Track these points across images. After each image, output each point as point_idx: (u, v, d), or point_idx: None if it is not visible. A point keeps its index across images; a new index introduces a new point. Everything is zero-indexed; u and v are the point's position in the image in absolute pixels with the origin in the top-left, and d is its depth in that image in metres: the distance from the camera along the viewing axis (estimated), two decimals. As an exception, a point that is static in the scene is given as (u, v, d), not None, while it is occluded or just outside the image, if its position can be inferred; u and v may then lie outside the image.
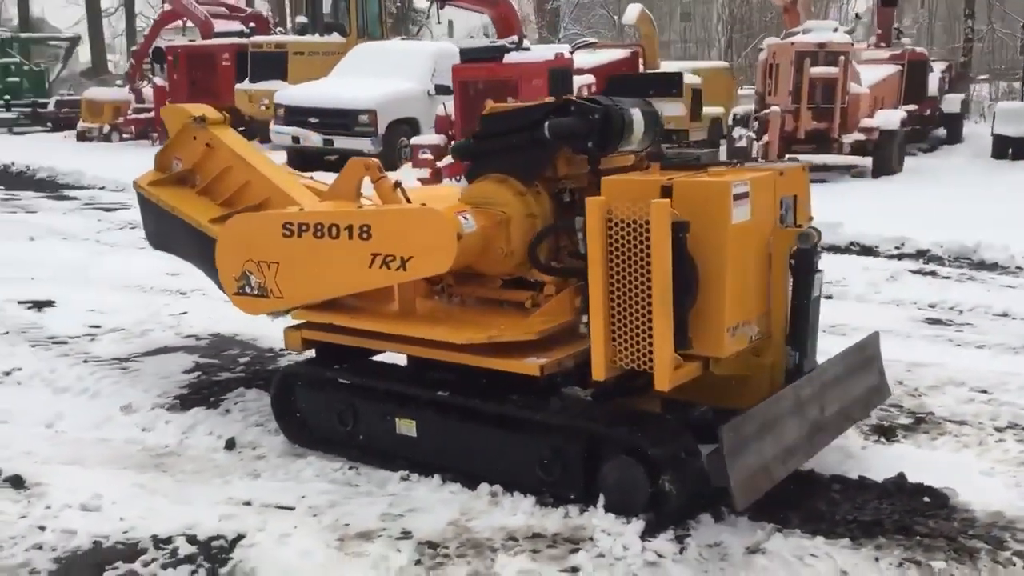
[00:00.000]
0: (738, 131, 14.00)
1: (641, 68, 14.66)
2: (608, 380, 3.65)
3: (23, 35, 32.44)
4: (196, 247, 5.09)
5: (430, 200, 4.17)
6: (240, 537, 3.45)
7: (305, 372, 4.38)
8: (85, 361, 5.61)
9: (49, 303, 6.99)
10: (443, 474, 3.90)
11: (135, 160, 14.66)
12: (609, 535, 3.37)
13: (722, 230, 3.43)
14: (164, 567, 3.27)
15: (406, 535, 3.47)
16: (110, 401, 4.88)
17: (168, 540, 3.44)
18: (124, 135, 20.96)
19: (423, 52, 15.62)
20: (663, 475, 3.37)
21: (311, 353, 4.49)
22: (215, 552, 3.37)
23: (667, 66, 17.06)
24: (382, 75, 14.90)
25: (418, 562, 3.29)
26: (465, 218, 3.89)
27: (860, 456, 4.10)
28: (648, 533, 3.37)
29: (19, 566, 3.28)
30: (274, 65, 18.13)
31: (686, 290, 3.40)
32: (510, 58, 11.78)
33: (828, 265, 7.96)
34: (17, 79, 27.91)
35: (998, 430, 4.40)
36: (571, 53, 13.53)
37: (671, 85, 4.26)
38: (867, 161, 13.86)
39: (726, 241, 3.44)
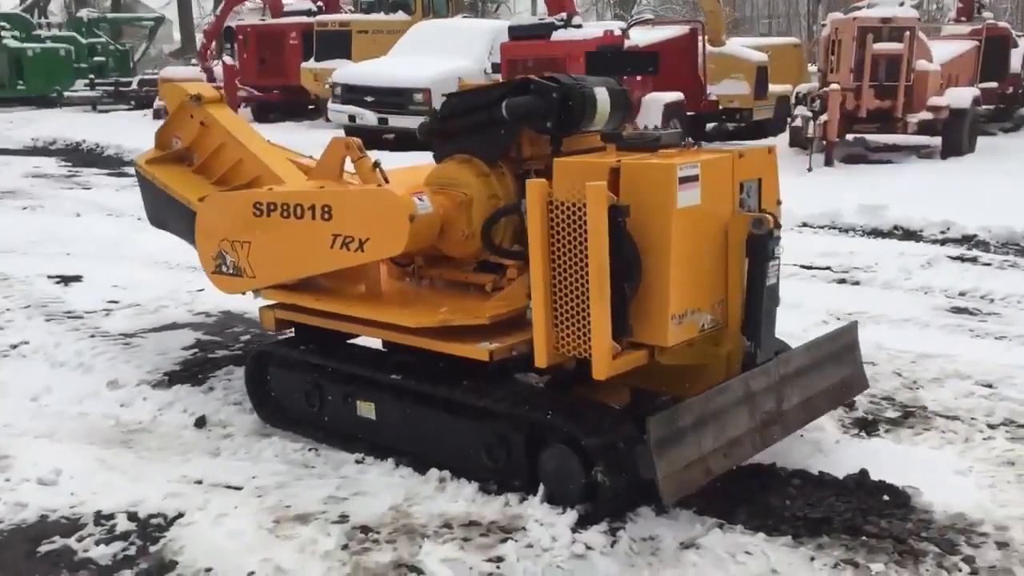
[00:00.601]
0: (799, 109, 13.59)
1: (701, 45, 14.34)
2: (567, 367, 3.58)
3: (110, 16, 33.41)
4: (187, 225, 5.14)
5: (407, 180, 4.13)
6: (180, 516, 3.48)
7: (275, 352, 4.40)
8: (92, 336, 5.73)
9: (76, 278, 7.18)
10: (398, 458, 3.87)
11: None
12: (542, 525, 3.30)
13: (666, 214, 3.31)
14: (98, 543, 3.31)
15: (343, 519, 3.45)
16: (101, 376, 4.97)
17: (111, 516, 3.50)
18: (197, 113, 21.35)
19: (481, 31, 15.54)
20: (596, 465, 3.28)
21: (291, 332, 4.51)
22: (151, 530, 3.41)
23: (733, 43, 16.66)
24: (439, 54, 14.88)
25: (345, 547, 3.26)
26: (420, 199, 3.84)
27: (831, 451, 3.93)
28: (581, 524, 3.29)
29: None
30: (339, 44, 18.28)
31: (626, 276, 3.29)
32: (558, 36, 11.62)
33: (864, 249, 7.79)
34: (103, 58, 28.81)
35: (990, 427, 4.18)
36: (626, 30, 13.31)
37: (646, 63, 4.13)
38: (936, 141, 13.33)
39: (670, 226, 3.31)
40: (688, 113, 14.80)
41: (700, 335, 3.51)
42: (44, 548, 3.30)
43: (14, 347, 5.56)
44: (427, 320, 3.77)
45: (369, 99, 14.55)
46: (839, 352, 3.96)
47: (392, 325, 3.88)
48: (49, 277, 7.22)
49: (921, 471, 3.71)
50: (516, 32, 11.96)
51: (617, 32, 12.27)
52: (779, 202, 3.79)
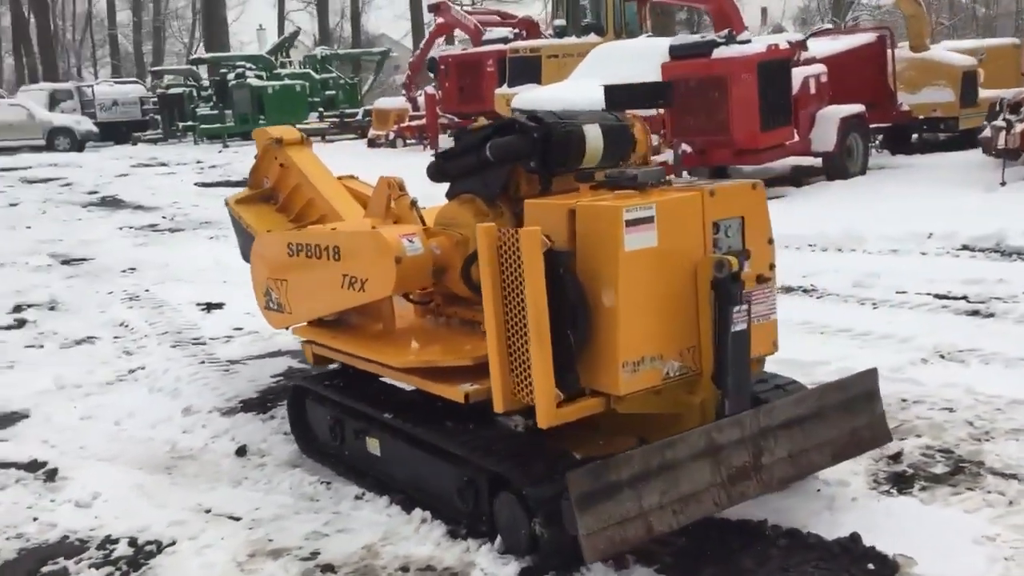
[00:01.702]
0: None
1: (891, 53, 13.48)
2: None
3: (341, 52, 35.72)
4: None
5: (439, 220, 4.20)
6: (172, 544, 3.71)
7: (308, 386, 4.58)
8: (201, 362, 6.19)
9: (219, 306, 7.76)
10: (394, 496, 3.94)
11: (399, 163, 15.77)
12: (486, 574, 3.26)
13: (613, 258, 3.19)
14: (91, 567, 3.59)
15: (313, 556, 3.56)
16: (183, 402, 5.36)
17: (115, 541, 3.77)
18: (408, 141, 22.45)
19: (657, 50, 15.30)
20: (535, 517, 3.20)
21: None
22: (141, 557, 3.65)
23: (937, 48, 15.54)
24: (615, 75, 14.82)
25: (307, 583, 3.37)
26: (411, 240, 3.89)
27: (842, 509, 3.61)
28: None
29: (-15, 552, 3.75)
30: (530, 69, 18.62)
31: (570, 323, 3.20)
32: (720, 53, 11.29)
33: (1018, 278, 7.03)
34: (333, 92, 30.82)
35: (1050, 490, 3.70)
36: (803, 41, 12.74)
37: (656, 95, 3.98)
38: None
39: (617, 270, 3.19)
40: (879, 125, 13.97)
41: (665, 383, 3.34)
42: (46, 569, 3.61)
43: (131, 372, 6.10)
44: (412, 360, 3.82)
45: (544, 124, 14.70)
46: (849, 401, 3.63)
47: (384, 363, 3.96)
48: (197, 304, 7.84)
49: (932, 538, 3.35)
50: (677, 51, 11.72)
51: (784, 46, 11.78)
52: (770, 241, 3.56)
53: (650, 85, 4.89)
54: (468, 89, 20.57)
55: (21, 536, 3.87)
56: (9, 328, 7.46)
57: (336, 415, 4.35)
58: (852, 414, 3.63)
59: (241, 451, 4.62)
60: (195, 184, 18.05)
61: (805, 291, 7.15)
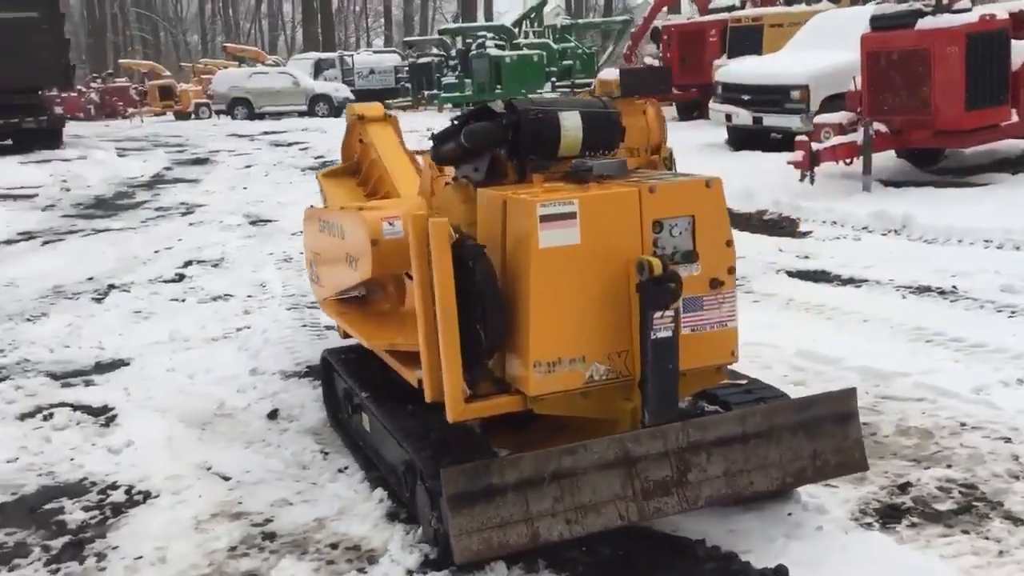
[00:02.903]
0: None
1: None
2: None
3: (581, 21, 35.75)
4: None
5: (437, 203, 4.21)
6: (157, 496, 3.98)
7: (329, 358, 4.72)
8: (303, 326, 6.51)
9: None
10: (370, 473, 4.01)
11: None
12: (392, 561, 3.28)
13: (526, 254, 3.07)
14: (83, 509, 3.92)
15: (266, 523, 3.70)
16: (258, 364, 5.67)
17: (116, 488, 4.10)
18: (631, 112, 22.16)
19: (877, 19, 14.23)
20: (433, 509, 3.16)
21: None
22: (125, 505, 3.94)
23: None
24: (830, 47, 13.92)
25: (232, 549, 3.51)
26: (391, 223, 3.91)
27: (802, 537, 3.29)
28: (425, 568, 3.20)
29: (10, 484, 4.17)
30: (751, 39, 17.89)
31: (478, 318, 3.12)
32: (924, 23, 10.32)
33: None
34: (570, 62, 30.97)
35: (1060, 543, 3.20)
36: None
37: (659, 80, 3.73)
38: None
39: (529, 266, 3.07)
40: None
41: (589, 387, 3.18)
42: (48, 506, 3.98)
43: (238, 330, 6.51)
44: (378, 342, 3.86)
45: (745, 97, 14.12)
46: (811, 423, 3.29)
47: (361, 341, 4.03)
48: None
49: (880, 579, 3.01)
50: (878, 22, 10.81)
51: (1003, 16, 10.56)
52: (728, 243, 3.28)
53: (650, 70, 4.61)
54: (689, 60, 20.01)
55: (51, 474, 4.28)
56: (168, 282, 8.17)
57: (345, 388, 4.47)
58: (814, 437, 3.30)
59: (273, 414, 4.85)
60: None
61: (942, 293, 6.48)
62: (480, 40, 29.65)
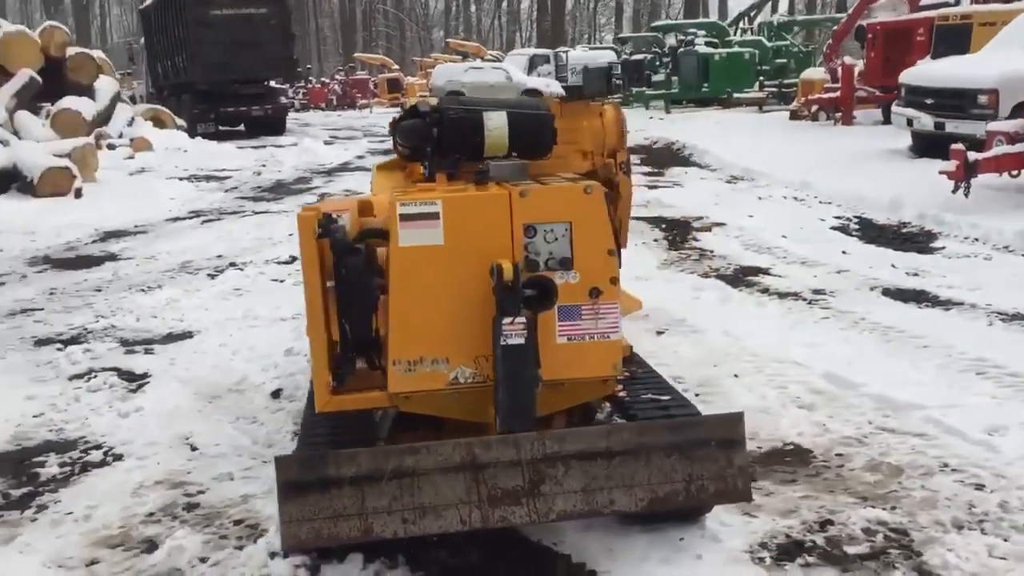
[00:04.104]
0: None
1: None
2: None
3: (799, 18, 34.24)
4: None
5: None
6: (122, 459, 4.27)
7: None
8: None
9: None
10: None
11: (782, 143, 15.10)
12: (268, 543, 3.36)
13: (390, 251, 3.08)
14: (60, 464, 4.25)
15: (195, 495, 3.88)
16: (298, 345, 5.88)
17: (97, 448, 4.42)
18: (833, 114, 20.91)
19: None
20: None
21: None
22: (93, 466, 4.24)
23: None
24: (1029, 47, 12.76)
25: (150, 515, 3.72)
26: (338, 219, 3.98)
27: (671, 563, 3.13)
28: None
29: (22, 436, 4.60)
30: (958, 38, 16.56)
31: (344, 312, 3.15)
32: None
33: None
34: (784, 60, 29.82)
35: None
36: None
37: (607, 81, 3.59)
38: None
39: (391, 264, 3.08)
40: None
41: (454, 389, 3.14)
42: (35, 459, 4.36)
43: (295, 318, 6.79)
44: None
45: (928, 101, 13.12)
46: (689, 445, 3.08)
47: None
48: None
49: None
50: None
51: None
52: (610, 252, 3.13)
53: (595, 71, 4.39)
54: (894, 60, 18.72)
55: (60, 432, 4.68)
56: (282, 263, 8.63)
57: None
58: (692, 460, 3.10)
59: (276, 393, 5.06)
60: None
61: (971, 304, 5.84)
62: (690, 37, 29.13)
